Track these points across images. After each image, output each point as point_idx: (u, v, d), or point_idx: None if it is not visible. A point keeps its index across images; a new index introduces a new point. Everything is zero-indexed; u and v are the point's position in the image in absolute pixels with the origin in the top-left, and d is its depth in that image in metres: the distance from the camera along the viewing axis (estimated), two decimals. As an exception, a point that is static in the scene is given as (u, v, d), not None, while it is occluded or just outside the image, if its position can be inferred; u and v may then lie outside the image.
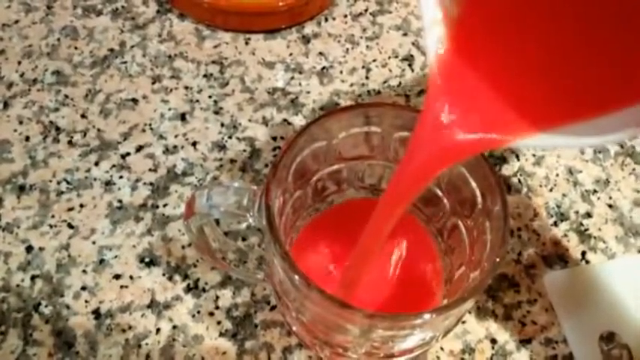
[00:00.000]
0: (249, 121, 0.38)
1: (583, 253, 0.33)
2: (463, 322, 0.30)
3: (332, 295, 0.19)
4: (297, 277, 0.19)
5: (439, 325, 0.20)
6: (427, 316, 0.18)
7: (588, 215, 0.35)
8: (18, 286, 0.31)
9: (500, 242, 0.20)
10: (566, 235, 0.34)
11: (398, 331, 0.19)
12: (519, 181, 0.36)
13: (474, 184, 0.23)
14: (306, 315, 0.22)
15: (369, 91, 0.40)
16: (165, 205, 0.34)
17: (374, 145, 0.25)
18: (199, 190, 0.24)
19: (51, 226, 0.33)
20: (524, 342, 0.30)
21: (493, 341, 0.30)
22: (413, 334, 0.20)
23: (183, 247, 0.32)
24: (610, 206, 0.35)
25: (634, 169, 0.37)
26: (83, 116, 0.38)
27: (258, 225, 0.23)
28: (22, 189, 0.34)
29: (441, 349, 0.29)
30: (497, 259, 0.19)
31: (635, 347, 0.30)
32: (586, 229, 0.34)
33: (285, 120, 0.38)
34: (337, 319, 0.20)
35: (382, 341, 0.21)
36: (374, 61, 0.41)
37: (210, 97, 0.39)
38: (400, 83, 0.40)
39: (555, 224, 0.34)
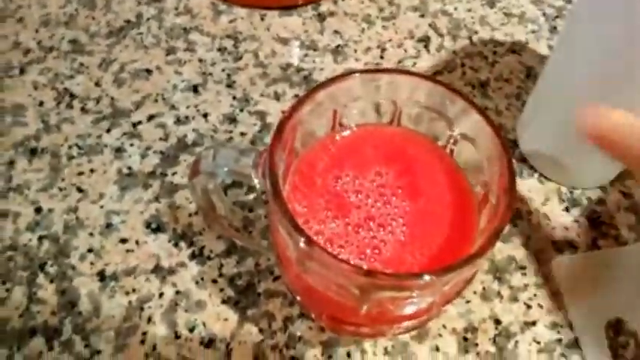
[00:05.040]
0: (261, 95, 0.38)
1: (594, 240, 0.32)
2: (467, 302, 0.30)
3: (332, 252, 0.19)
4: (298, 234, 0.19)
5: (438, 290, 0.20)
6: (427, 277, 0.18)
7: (601, 202, 0.34)
8: (25, 245, 0.31)
9: (504, 213, 0.19)
10: (577, 221, 0.33)
11: (397, 293, 0.19)
12: (532, 165, 0.35)
13: (482, 155, 0.22)
14: (308, 278, 0.22)
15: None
16: (174, 174, 0.34)
17: (383, 112, 0.25)
18: (205, 151, 0.24)
19: (60, 189, 0.33)
20: (529, 324, 0.29)
21: (497, 322, 0.29)
22: (412, 296, 0.19)
23: (190, 215, 0.32)
24: (624, 194, 0.34)
25: (650, 158, 0.36)
26: (97, 84, 0.38)
27: (262, 188, 0.23)
28: (33, 152, 0.35)
29: (444, 326, 0.29)
30: (498, 228, 0.19)
31: (643, 335, 0.29)
32: (598, 216, 0.33)
33: (296, 96, 0.38)
34: (338, 277, 0.19)
35: (381, 304, 0.20)
36: (389, 41, 0.41)
37: (223, 70, 0.39)
38: (415, 64, 0.40)
39: (567, 210, 0.33)
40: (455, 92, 0.23)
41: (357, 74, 0.23)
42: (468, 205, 0.23)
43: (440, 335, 0.29)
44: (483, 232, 0.21)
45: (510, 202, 0.20)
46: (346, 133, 0.25)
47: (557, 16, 0.43)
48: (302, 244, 0.19)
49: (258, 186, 0.23)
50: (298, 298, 0.25)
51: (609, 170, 0.34)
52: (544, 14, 0.43)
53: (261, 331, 0.29)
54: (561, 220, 0.33)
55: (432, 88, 0.23)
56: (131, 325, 0.29)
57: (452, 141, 0.24)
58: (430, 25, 0.42)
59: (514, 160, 0.35)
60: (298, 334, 0.29)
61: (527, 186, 0.34)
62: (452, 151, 0.25)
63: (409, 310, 0.21)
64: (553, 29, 0.42)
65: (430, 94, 0.23)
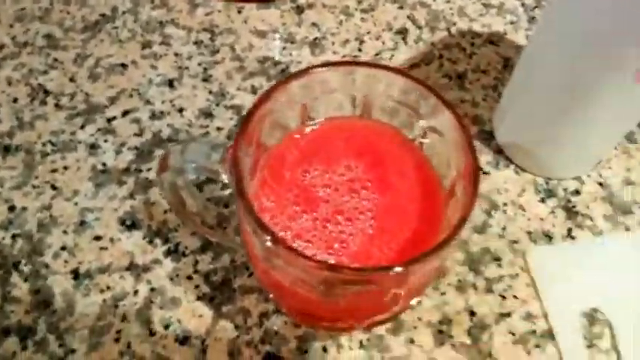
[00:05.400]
0: (238, 89, 0.37)
1: (569, 230, 0.33)
2: (442, 294, 0.30)
3: (296, 249, 0.19)
4: (262, 232, 0.19)
5: (405, 282, 0.20)
6: (390, 270, 0.18)
7: (577, 192, 0.34)
8: (-2, 244, 0.31)
9: (469, 202, 0.19)
10: (553, 212, 0.33)
11: (362, 287, 0.19)
12: (508, 156, 0.35)
13: (450, 147, 0.22)
14: (275, 275, 0.22)
15: (360, 63, 0.39)
16: (148, 170, 0.34)
17: (352, 104, 0.25)
18: (174, 146, 0.23)
19: (34, 187, 0.33)
20: (504, 315, 0.29)
21: (472, 313, 0.29)
22: (378, 290, 0.19)
23: (165, 212, 0.32)
24: (600, 184, 0.34)
25: (626, 148, 0.36)
26: (71, 80, 0.37)
27: (229, 184, 0.23)
28: (7, 149, 0.34)
29: (419, 319, 0.29)
30: (463, 217, 0.19)
31: (618, 325, 0.29)
32: (574, 206, 0.33)
33: (274, 89, 0.38)
34: (303, 273, 0.19)
35: (349, 298, 0.20)
36: (368, 33, 0.41)
37: (199, 64, 0.39)
38: (393, 56, 0.40)
39: (542, 200, 0.34)
40: (421, 84, 0.22)
41: (318, 68, 0.23)
42: (435, 198, 0.23)
43: (415, 328, 0.29)
44: (450, 225, 0.21)
45: (474, 192, 0.20)
46: (316, 126, 0.25)
47: (535, 7, 0.43)
48: (266, 242, 0.19)
49: (227, 181, 0.23)
50: (271, 295, 0.25)
51: (585, 162, 0.34)
52: (523, 5, 0.43)
53: (236, 327, 0.29)
54: (537, 210, 0.33)
55: (399, 81, 0.23)
56: (105, 323, 0.28)
57: (421, 133, 0.24)
58: (408, 16, 0.42)
59: (490, 152, 0.35)
60: (274, 328, 0.29)
61: (504, 177, 0.34)
62: (421, 143, 0.25)
63: (378, 303, 0.21)
64: (532, 20, 0.42)
65: (397, 87, 0.23)
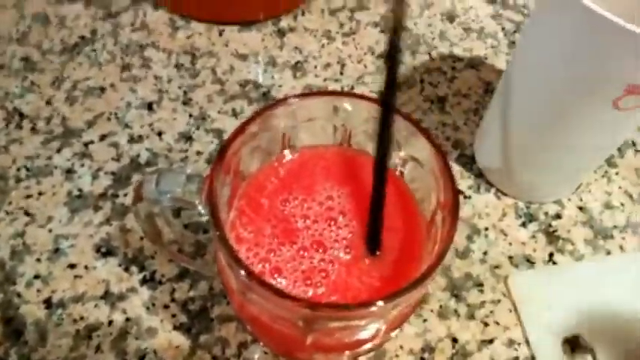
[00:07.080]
0: (219, 112, 0.37)
1: (550, 255, 0.32)
2: (424, 321, 0.30)
3: (273, 285, 0.18)
4: (238, 267, 0.18)
5: (386, 316, 0.19)
6: (371, 306, 0.17)
7: (558, 217, 0.34)
8: (-32, 273, 0.30)
9: (448, 233, 0.19)
10: (534, 236, 0.33)
11: (342, 322, 0.19)
12: (489, 180, 0.35)
13: (429, 176, 0.22)
14: (252, 309, 0.21)
15: (342, 87, 0.39)
16: (125, 195, 0.33)
17: (332, 133, 0.24)
18: (148, 176, 0.23)
19: (7, 213, 0.32)
20: (486, 342, 0.29)
21: (454, 340, 0.29)
22: (359, 324, 0.19)
23: (141, 239, 0.31)
24: (580, 208, 0.34)
25: (606, 172, 0.36)
26: (48, 103, 0.37)
27: (206, 214, 0.22)
28: (-20, 174, 0.33)
29: (401, 347, 0.29)
30: (443, 249, 0.18)
31: (600, 351, 0.29)
32: (554, 231, 0.33)
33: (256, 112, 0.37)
34: (280, 310, 0.19)
35: (328, 333, 0.20)
36: (349, 56, 0.41)
37: (179, 87, 0.38)
38: (374, 80, 0.40)
39: (524, 225, 0.33)
40: (401, 115, 0.22)
41: (297, 98, 0.22)
42: (416, 227, 0.23)
43: (397, 356, 0.28)
44: (430, 254, 0.21)
45: (453, 223, 0.20)
46: (296, 154, 0.25)
47: (515, 31, 0.43)
48: (242, 278, 0.18)
49: (203, 211, 0.22)
50: (248, 326, 0.25)
51: (565, 186, 0.34)
52: (503, 29, 0.44)
53: (214, 358, 0.28)
54: (518, 235, 0.33)
55: (377, 110, 0.23)
56: (78, 354, 0.28)
57: (401, 163, 0.24)
58: (389, 40, 0.42)
59: (471, 176, 0.35)
60: (255, 357, 0.28)
61: (484, 201, 0.34)
62: (402, 172, 0.24)
63: (358, 336, 0.21)
64: (512, 44, 0.43)
65: (375, 116, 0.23)
